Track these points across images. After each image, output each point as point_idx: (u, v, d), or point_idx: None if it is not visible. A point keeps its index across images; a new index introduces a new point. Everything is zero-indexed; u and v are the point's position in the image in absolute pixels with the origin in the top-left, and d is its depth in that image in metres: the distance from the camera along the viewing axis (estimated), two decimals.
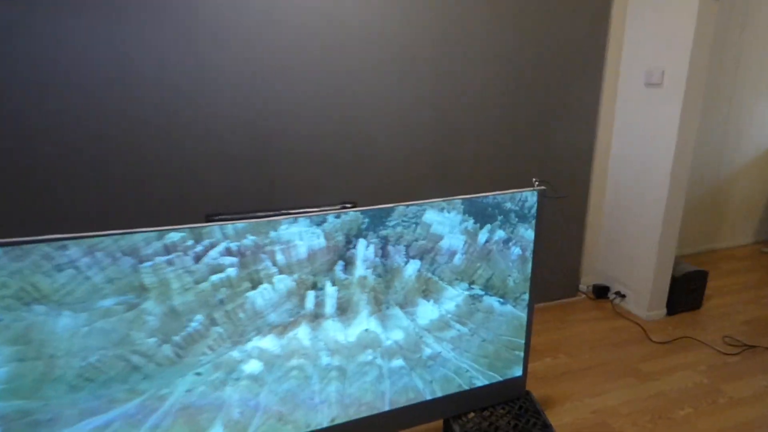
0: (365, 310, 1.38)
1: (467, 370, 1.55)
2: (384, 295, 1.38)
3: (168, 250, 1.15)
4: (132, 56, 1.66)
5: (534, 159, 2.37)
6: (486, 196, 1.40)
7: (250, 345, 1.28)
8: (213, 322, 1.24)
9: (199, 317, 1.22)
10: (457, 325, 1.50)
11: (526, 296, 1.55)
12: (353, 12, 1.89)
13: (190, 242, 1.17)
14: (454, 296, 1.46)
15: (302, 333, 1.33)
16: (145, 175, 1.77)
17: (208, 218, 1.29)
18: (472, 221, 1.41)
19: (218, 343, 1.26)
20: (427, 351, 1.48)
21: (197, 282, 1.20)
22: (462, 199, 1.38)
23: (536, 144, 2.35)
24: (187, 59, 1.73)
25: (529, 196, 1.45)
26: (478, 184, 2.26)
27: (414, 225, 1.35)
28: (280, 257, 1.25)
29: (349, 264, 1.32)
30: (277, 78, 1.85)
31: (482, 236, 1.44)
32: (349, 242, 1.30)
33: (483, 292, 1.49)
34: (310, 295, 1.31)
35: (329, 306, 1.33)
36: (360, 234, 1.31)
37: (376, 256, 1.34)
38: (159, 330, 1.20)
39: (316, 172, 2.00)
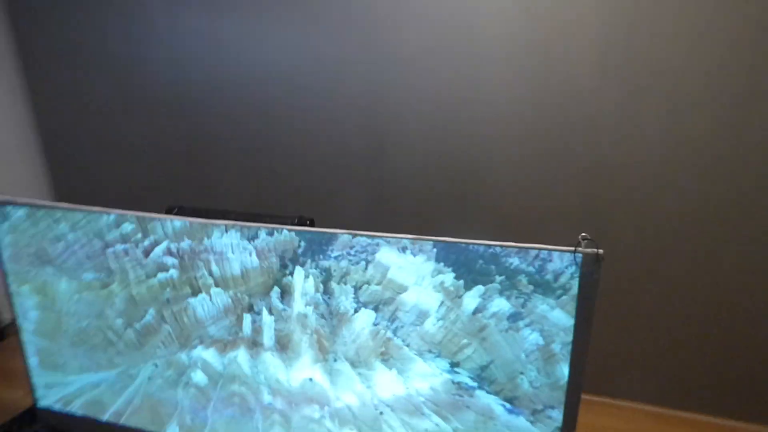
0: (307, 354, 1.11)
1: None
2: (329, 342, 1.08)
3: (124, 239, 1.19)
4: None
5: None
6: (473, 243, 0.90)
7: (195, 352, 1.22)
8: (163, 319, 1.22)
9: (151, 311, 1.22)
10: (435, 417, 1.04)
11: (559, 415, 0.94)
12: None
13: (139, 235, 1.17)
14: (427, 374, 1.02)
15: (242, 357, 1.17)
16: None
17: (168, 211, 1.27)
18: (451, 275, 0.94)
19: (169, 340, 1.23)
20: None
21: (148, 276, 1.20)
22: (433, 240, 0.93)
23: None
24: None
25: (557, 258, 0.86)
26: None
27: (364, 263, 1.00)
28: (215, 268, 1.13)
29: (285, 293, 1.08)
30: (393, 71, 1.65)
31: (470, 301, 0.94)
32: (285, 266, 1.06)
33: (475, 384, 0.98)
34: (247, 318, 1.13)
35: (267, 336, 1.13)
36: (296, 260, 1.05)
37: (317, 291, 1.05)
38: (124, 313, 1.26)
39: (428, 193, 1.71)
